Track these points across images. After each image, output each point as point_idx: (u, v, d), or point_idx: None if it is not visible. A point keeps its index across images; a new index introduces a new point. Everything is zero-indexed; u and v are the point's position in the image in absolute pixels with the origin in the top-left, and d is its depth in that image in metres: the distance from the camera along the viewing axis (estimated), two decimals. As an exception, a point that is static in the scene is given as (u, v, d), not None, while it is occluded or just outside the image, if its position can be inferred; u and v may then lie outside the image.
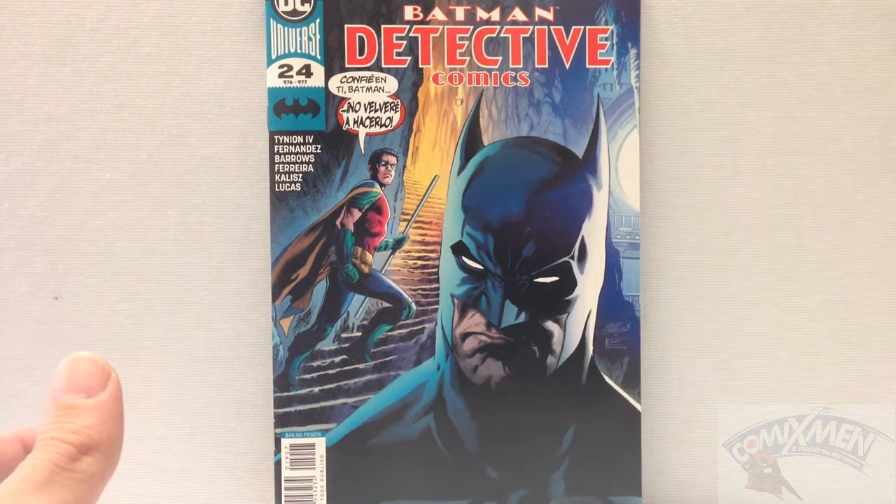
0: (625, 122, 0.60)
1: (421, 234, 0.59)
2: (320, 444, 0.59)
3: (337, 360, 0.59)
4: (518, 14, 0.59)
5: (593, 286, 0.60)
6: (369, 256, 0.59)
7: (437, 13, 0.59)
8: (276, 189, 0.58)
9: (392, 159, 0.59)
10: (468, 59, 0.59)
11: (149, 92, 0.60)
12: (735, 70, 0.61)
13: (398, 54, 0.59)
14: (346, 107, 0.58)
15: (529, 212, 0.59)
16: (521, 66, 0.59)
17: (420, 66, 0.59)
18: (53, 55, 0.59)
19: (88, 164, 0.60)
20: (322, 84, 0.58)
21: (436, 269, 0.59)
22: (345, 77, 0.58)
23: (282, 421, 0.59)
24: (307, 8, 0.58)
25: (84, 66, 0.60)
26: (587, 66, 0.59)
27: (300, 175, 0.58)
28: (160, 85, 0.60)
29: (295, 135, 0.58)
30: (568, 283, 0.59)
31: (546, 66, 0.59)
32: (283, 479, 0.59)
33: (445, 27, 0.59)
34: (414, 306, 0.59)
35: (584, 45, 0.59)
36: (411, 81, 0.59)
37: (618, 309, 0.60)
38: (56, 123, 0.60)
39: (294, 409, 0.59)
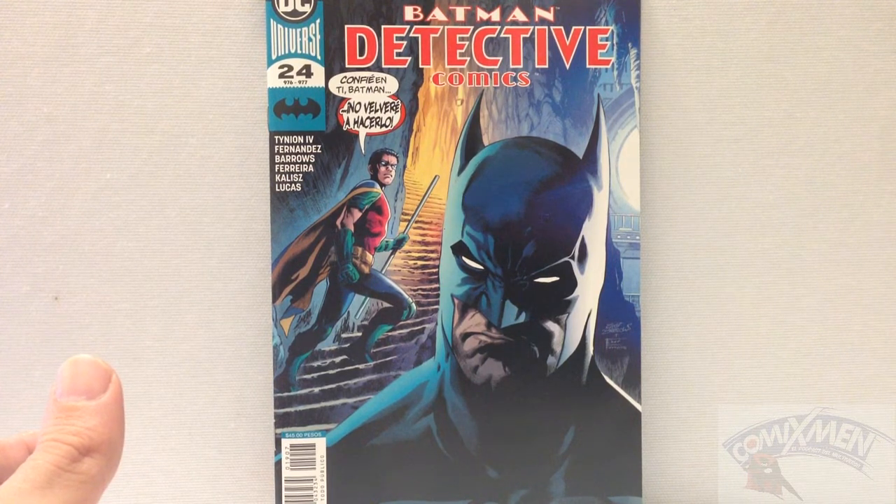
0: (625, 122, 0.60)
1: (421, 235, 0.59)
2: (321, 444, 0.59)
3: (337, 360, 0.59)
4: (518, 14, 0.59)
5: (593, 286, 0.60)
6: (370, 256, 0.59)
7: (438, 13, 0.59)
8: (277, 189, 0.58)
9: (392, 159, 0.59)
10: (468, 59, 0.59)
11: (149, 92, 0.60)
12: (735, 70, 0.61)
13: (398, 54, 0.59)
14: (346, 107, 0.59)
15: (530, 212, 0.59)
16: (521, 66, 0.59)
17: (420, 66, 0.59)
18: (53, 55, 0.59)
19: (88, 164, 0.60)
20: (322, 84, 0.58)
21: (436, 270, 0.59)
22: (345, 77, 0.58)
23: (282, 421, 0.59)
24: (307, 8, 0.58)
25: (84, 67, 0.60)
26: (587, 66, 0.59)
27: (300, 175, 0.58)
28: (160, 85, 0.60)
29: (295, 135, 0.58)
30: (568, 283, 0.59)
31: (546, 66, 0.59)
32: (283, 479, 0.59)
33: (445, 27, 0.59)
34: (414, 306, 0.59)
35: (585, 46, 0.59)
36: (411, 82, 0.59)
37: (618, 309, 0.60)
38: (56, 123, 0.60)
39: (294, 409, 0.59)
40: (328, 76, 0.58)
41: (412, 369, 0.60)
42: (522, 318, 0.59)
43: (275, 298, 0.59)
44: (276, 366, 0.59)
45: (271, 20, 0.58)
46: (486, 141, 0.59)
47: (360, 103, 0.59)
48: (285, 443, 0.59)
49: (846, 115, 0.62)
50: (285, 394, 0.59)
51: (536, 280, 0.59)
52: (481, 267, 0.59)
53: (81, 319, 0.61)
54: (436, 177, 0.59)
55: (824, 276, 0.62)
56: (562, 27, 0.59)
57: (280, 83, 0.58)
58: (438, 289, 0.59)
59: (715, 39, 0.61)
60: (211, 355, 0.61)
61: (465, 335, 0.59)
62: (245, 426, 0.61)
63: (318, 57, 0.58)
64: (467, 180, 0.59)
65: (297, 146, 0.58)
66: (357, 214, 0.59)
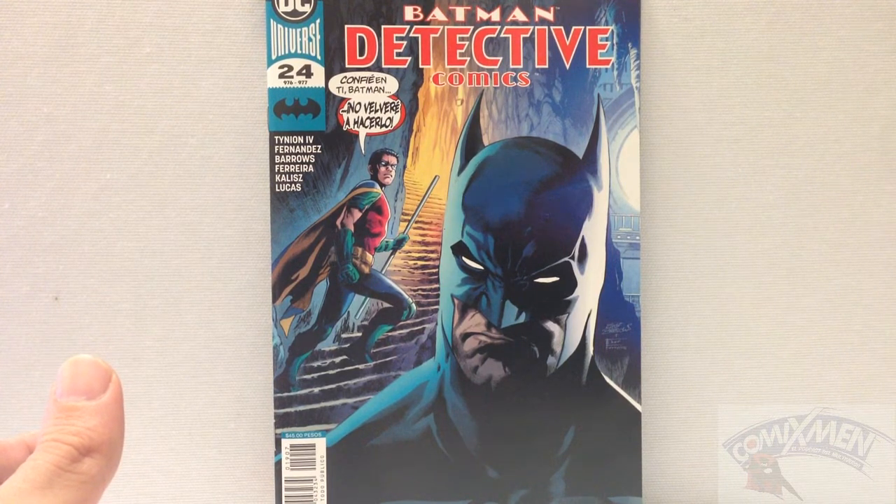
0: (625, 123, 0.60)
1: (421, 235, 0.59)
2: (321, 444, 0.59)
3: (337, 360, 0.59)
4: (518, 14, 0.59)
5: (593, 286, 0.60)
6: (370, 257, 0.59)
7: (438, 13, 0.59)
8: (277, 189, 0.58)
9: (392, 159, 0.59)
10: (468, 59, 0.59)
11: (149, 92, 0.60)
12: (735, 70, 0.61)
13: (398, 55, 0.59)
14: (346, 107, 0.59)
15: (530, 212, 0.59)
16: (521, 66, 0.59)
17: (420, 66, 0.59)
18: (53, 55, 0.59)
19: (88, 164, 0.60)
20: (322, 84, 0.58)
21: (436, 270, 0.59)
22: (345, 77, 0.58)
23: (282, 421, 0.59)
24: (307, 8, 0.58)
25: (84, 67, 0.60)
26: (587, 66, 0.59)
27: (300, 175, 0.58)
28: (160, 85, 0.60)
29: (295, 135, 0.58)
30: (568, 283, 0.59)
31: (546, 66, 0.59)
32: (283, 479, 0.59)
33: (445, 27, 0.59)
34: (414, 307, 0.59)
35: (585, 46, 0.59)
36: (411, 82, 0.59)
37: (618, 309, 0.60)
38: (56, 123, 0.60)
39: (294, 409, 0.59)
40: (328, 76, 0.58)
41: (412, 369, 0.60)
42: (522, 318, 0.59)
43: (275, 298, 0.59)
44: (276, 366, 0.59)
45: (271, 20, 0.58)
46: (486, 141, 0.59)
47: (360, 103, 0.59)
48: (285, 443, 0.59)
49: (846, 115, 0.62)
50: (285, 394, 0.59)
51: (536, 280, 0.59)
52: (481, 267, 0.59)
53: (81, 319, 0.61)
54: (436, 177, 0.59)
55: (824, 276, 0.62)
56: (562, 27, 0.59)
57: (280, 83, 0.58)
58: (438, 289, 0.59)
59: (715, 39, 0.61)
60: (211, 355, 0.61)
61: (465, 335, 0.59)
62: (245, 426, 0.61)
63: (318, 57, 0.58)
64: (467, 180, 0.59)
65: (297, 146, 0.58)
66: (357, 214, 0.59)
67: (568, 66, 0.59)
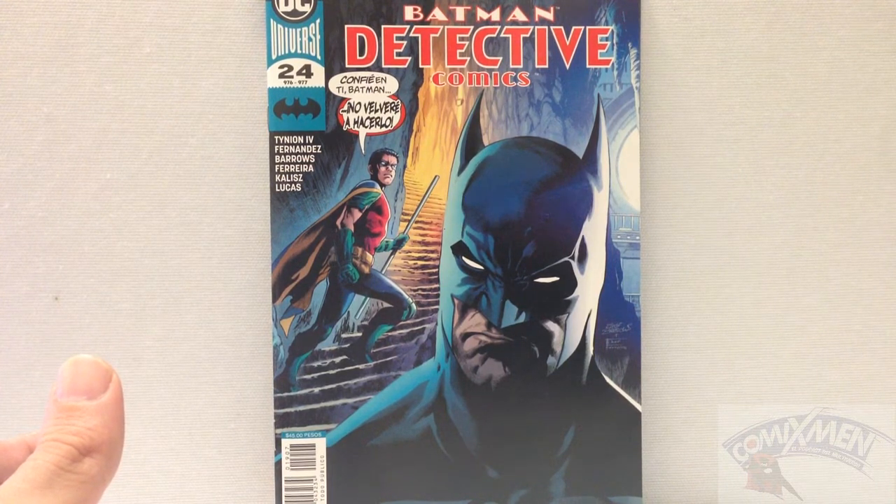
0: (625, 123, 0.60)
1: (421, 235, 0.59)
2: (321, 444, 0.59)
3: (337, 360, 0.59)
4: (518, 14, 0.59)
5: (593, 286, 0.60)
6: (370, 257, 0.59)
7: (438, 13, 0.59)
8: (277, 189, 0.58)
9: (392, 159, 0.59)
10: (468, 59, 0.59)
11: (149, 92, 0.60)
12: (735, 70, 0.61)
13: (398, 54, 0.59)
14: (346, 107, 0.59)
15: (530, 212, 0.59)
16: (521, 66, 0.59)
17: (420, 66, 0.59)
18: (53, 55, 0.59)
19: (88, 164, 0.60)
20: (322, 84, 0.58)
21: (436, 270, 0.59)
22: (345, 77, 0.58)
23: (282, 421, 0.59)
24: (307, 8, 0.58)
25: (84, 67, 0.60)
26: (587, 66, 0.59)
27: (300, 175, 0.58)
28: (160, 85, 0.60)
29: (295, 135, 0.58)
30: (568, 283, 0.59)
31: (546, 66, 0.59)
32: (283, 479, 0.59)
33: (445, 27, 0.59)
34: (414, 306, 0.59)
35: (585, 45, 0.59)
36: (411, 82, 0.59)
37: (618, 309, 0.60)
38: (56, 123, 0.60)
39: (294, 409, 0.59)
40: (328, 76, 0.58)
41: (412, 369, 0.60)
42: (522, 318, 0.59)
43: (275, 298, 0.59)
44: (276, 366, 0.59)
45: (271, 20, 0.58)
46: (486, 141, 0.59)
47: (360, 103, 0.59)
48: (285, 443, 0.59)
49: (846, 115, 0.62)
50: (285, 394, 0.59)
51: (536, 280, 0.59)
52: (481, 267, 0.59)
53: (81, 319, 0.61)
54: (436, 177, 0.59)
55: (824, 276, 0.62)
56: (562, 27, 0.59)
57: (280, 83, 0.58)
58: (438, 289, 0.59)
59: (715, 39, 0.61)
60: (211, 355, 0.61)
61: (465, 335, 0.59)
62: (245, 426, 0.61)
63: (318, 57, 0.58)
64: (467, 180, 0.59)
65: (297, 146, 0.58)
66: (357, 214, 0.59)
67: (568, 66, 0.59)
